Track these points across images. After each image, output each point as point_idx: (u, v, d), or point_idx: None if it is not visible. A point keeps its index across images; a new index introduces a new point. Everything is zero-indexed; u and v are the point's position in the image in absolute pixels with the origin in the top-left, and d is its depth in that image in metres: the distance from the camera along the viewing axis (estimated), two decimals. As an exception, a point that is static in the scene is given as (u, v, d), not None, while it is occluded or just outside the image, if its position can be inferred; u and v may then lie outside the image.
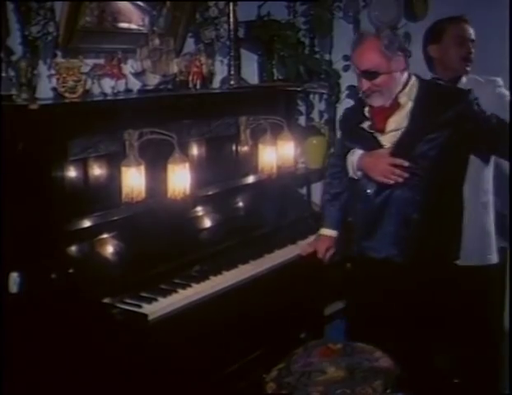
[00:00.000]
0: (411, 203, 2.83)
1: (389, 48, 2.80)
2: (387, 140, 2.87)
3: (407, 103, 2.85)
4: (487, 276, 3.26)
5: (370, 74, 2.81)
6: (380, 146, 2.88)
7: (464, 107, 2.80)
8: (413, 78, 2.89)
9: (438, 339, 3.00)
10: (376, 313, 2.86)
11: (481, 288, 3.24)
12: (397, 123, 2.85)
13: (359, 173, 2.95)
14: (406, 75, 2.87)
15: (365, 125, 2.92)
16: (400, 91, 2.85)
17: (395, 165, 2.80)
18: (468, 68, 3.29)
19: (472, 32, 3.31)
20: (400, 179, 2.80)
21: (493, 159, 3.20)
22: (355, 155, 2.95)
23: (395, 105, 2.85)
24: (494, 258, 3.27)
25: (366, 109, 2.93)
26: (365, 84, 2.84)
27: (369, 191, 2.91)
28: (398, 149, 2.83)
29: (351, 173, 2.98)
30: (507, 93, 3.23)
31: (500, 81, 3.27)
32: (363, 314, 2.98)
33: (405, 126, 2.83)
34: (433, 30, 3.40)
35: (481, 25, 3.85)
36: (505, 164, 3.17)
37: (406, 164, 2.80)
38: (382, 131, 2.87)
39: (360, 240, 2.98)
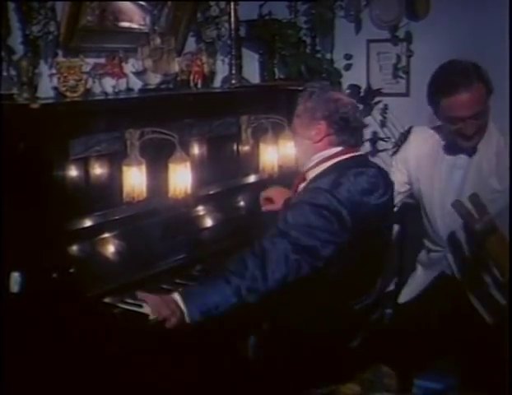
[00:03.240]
0: None
1: (306, 113, 2.58)
2: None
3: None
4: None
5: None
6: None
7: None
8: (343, 157, 2.55)
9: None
10: None
11: None
12: None
13: None
14: (330, 150, 2.56)
15: None
16: (310, 167, 2.60)
17: None
18: (471, 142, 2.80)
19: (482, 99, 2.73)
20: None
21: None
22: None
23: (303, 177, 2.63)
24: None
25: None
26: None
27: None
28: None
29: None
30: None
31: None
32: None
33: None
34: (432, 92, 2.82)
35: (480, 24, 3.87)
36: None
37: None
38: None
39: None
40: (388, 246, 2.76)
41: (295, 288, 2.43)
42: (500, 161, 2.82)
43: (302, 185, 2.63)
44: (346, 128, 2.55)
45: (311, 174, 2.59)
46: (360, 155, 2.63)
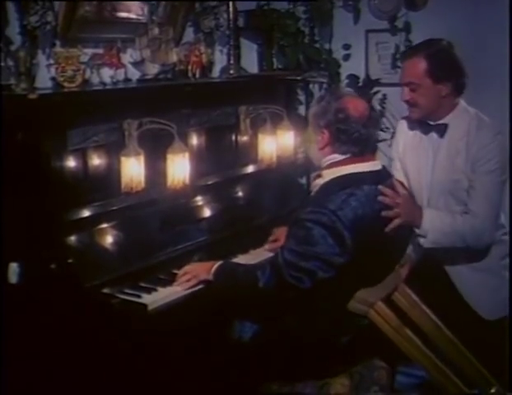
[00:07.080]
0: None
1: (313, 118, 2.52)
2: None
3: None
4: None
5: None
6: None
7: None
8: (339, 169, 2.48)
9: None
10: None
11: None
12: None
13: None
14: (335, 156, 2.49)
15: None
16: (324, 167, 2.54)
17: None
18: (412, 113, 2.99)
19: (417, 72, 2.87)
20: None
21: None
22: None
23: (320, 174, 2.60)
24: None
25: None
26: None
27: None
28: None
29: None
30: (507, 144, 2.94)
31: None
32: None
33: None
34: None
35: (479, 13, 3.87)
36: None
37: None
38: None
39: None
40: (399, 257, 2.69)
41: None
42: (469, 142, 2.89)
43: (318, 181, 2.57)
44: (347, 139, 2.46)
45: (326, 176, 2.52)
46: (376, 170, 2.54)
